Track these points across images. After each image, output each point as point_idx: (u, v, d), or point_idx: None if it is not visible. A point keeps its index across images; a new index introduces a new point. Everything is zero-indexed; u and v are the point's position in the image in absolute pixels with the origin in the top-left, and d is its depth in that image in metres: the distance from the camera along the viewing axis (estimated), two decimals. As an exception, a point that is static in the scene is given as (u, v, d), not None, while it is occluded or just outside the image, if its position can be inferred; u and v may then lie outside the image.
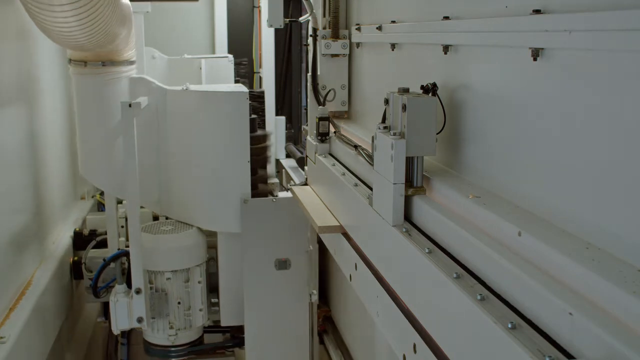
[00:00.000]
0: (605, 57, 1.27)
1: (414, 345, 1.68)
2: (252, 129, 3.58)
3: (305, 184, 3.31)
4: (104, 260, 3.70)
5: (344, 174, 2.56)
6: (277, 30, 5.77)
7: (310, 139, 3.18)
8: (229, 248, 3.69)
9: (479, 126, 1.82)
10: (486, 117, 1.78)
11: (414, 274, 1.70)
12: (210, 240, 3.80)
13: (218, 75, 4.96)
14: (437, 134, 1.88)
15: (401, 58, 2.49)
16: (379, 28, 2.65)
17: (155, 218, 4.17)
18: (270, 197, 3.65)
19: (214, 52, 6.56)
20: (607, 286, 1.13)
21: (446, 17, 1.99)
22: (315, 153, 3.02)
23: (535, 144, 1.53)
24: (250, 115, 3.54)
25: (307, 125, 3.47)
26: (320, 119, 3.02)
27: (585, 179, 1.35)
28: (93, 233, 4.13)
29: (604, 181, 1.29)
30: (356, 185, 2.36)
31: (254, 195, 3.61)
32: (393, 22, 2.52)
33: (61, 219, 4.11)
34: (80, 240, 4.08)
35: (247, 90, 3.30)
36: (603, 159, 1.29)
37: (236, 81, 4.68)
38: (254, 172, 3.64)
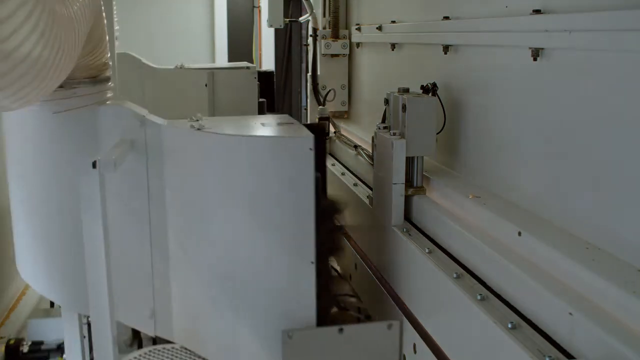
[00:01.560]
0: (605, 57, 1.27)
1: (414, 346, 1.68)
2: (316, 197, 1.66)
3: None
4: None
5: (343, 174, 2.56)
6: (277, 30, 5.77)
7: (311, 139, 3.15)
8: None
9: (479, 126, 1.82)
10: (486, 117, 1.78)
11: (414, 274, 1.70)
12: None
13: (232, 96, 3.10)
14: (437, 134, 1.88)
15: (401, 58, 2.49)
16: (379, 28, 2.65)
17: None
18: (335, 327, 1.68)
19: (214, 53, 6.55)
20: (607, 286, 1.13)
21: (446, 17, 1.99)
22: (316, 153, 2.99)
23: (535, 143, 1.54)
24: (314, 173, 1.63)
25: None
26: (320, 119, 3.03)
27: (585, 179, 1.35)
28: (37, 349, 2.74)
29: (604, 181, 1.29)
30: (356, 185, 2.36)
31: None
32: (393, 22, 2.52)
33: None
34: None
35: (312, 135, 1.62)
36: (603, 158, 1.29)
37: (260, 103, 3.05)
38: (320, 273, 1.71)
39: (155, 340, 2.06)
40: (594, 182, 1.32)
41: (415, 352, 1.68)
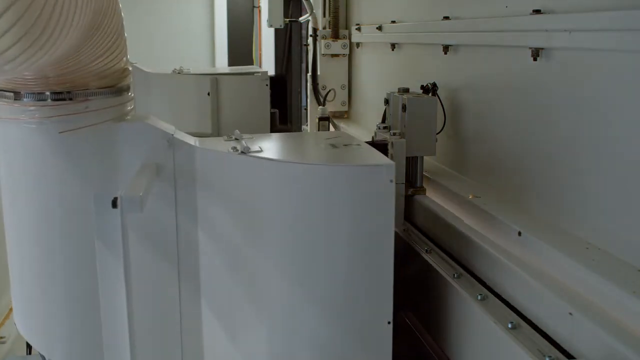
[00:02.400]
0: (605, 57, 1.27)
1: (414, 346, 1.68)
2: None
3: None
4: None
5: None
6: (277, 30, 5.77)
7: (311, 139, 3.15)
8: None
9: (479, 126, 1.82)
10: (486, 117, 1.78)
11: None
12: None
13: (239, 106, 2.55)
14: (437, 134, 1.88)
15: (401, 58, 2.49)
16: (379, 28, 2.65)
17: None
18: None
19: (213, 53, 6.55)
20: (607, 286, 1.13)
21: (446, 17, 1.99)
22: (315, 153, 2.98)
23: (535, 143, 1.53)
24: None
25: (307, 125, 3.48)
26: (320, 119, 3.02)
27: (586, 179, 1.35)
28: None
29: (605, 180, 1.29)
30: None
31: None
32: (393, 22, 2.52)
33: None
34: None
35: (392, 163, 1.29)
36: (603, 158, 1.29)
37: (272, 114, 2.56)
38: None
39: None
40: (594, 181, 1.32)
41: (415, 351, 1.68)
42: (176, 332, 1.42)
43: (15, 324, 1.50)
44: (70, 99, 1.29)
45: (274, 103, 2.68)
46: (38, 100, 1.27)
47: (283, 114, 2.75)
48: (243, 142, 1.36)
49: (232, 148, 1.35)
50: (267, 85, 2.43)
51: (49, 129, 1.29)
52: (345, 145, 1.44)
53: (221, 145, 1.39)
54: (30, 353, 2.50)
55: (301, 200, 1.27)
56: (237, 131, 1.45)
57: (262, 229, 1.30)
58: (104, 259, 1.19)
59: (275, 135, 1.67)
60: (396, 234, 1.80)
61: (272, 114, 2.47)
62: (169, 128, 1.38)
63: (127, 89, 1.43)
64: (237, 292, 1.36)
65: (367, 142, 1.52)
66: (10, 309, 2.94)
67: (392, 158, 1.79)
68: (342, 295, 1.29)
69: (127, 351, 1.22)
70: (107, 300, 1.22)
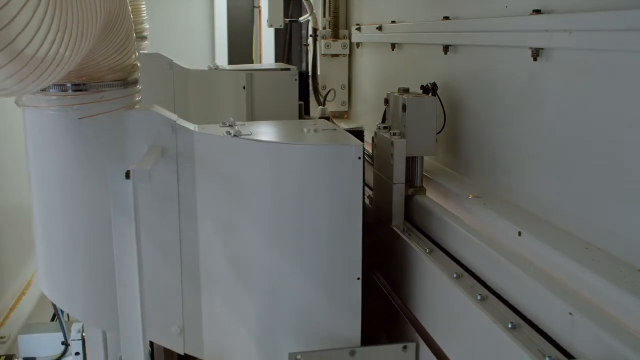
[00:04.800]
0: (605, 57, 1.27)
1: (415, 345, 1.68)
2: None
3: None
4: None
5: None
6: (277, 30, 5.78)
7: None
8: None
9: (478, 126, 1.82)
10: (486, 117, 1.78)
11: (414, 274, 1.70)
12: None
13: (271, 99, 2.73)
14: (437, 134, 1.88)
15: (401, 58, 2.49)
16: (379, 28, 2.65)
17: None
18: (347, 350, 1.58)
19: (213, 53, 6.55)
20: (607, 286, 1.13)
21: (446, 17, 1.99)
22: (315, 153, 2.98)
23: (535, 143, 1.54)
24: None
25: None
26: (320, 118, 3.02)
27: (586, 179, 1.35)
28: None
29: (604, 181, 1.29)
30: (356, 185, 2.35)
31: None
32: (393, 22, 2.52)
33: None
34: None
35: (361, 143, 1.55)
36: (603, 158, 1.29)
37: (300, 107, 2.76)
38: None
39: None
40: (594, 181, 1.32)
41: (415, 351, 1.68)
42: (177, 287, 1.67)
43: (40, 285, 1.75)
44: (88, 90, 1.52)
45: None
46: (60, 91, 1.50)
47: (307, 105, 3.06)
48: (236, 127, 1.61)
49: (225, 132, 1.58)
50: (296, 79, 2.66)
51: (69, 116, 1.52)
52: (324, 129, 1.69)
53: (217, 130, 1.61)
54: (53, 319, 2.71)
55: (283, 175, 1.52)
56: (231, 118, 1.69)
57: (250, 200, 1.55)
58: (119, 222, 1.42)
59: (266, 122, 1.92)
60: (397, 234, 1.80)
61: (300, 105, 2.68)
62: (172, 115, 1.60)
63: (136, 82, 1.64)
64: (228, 251, 1.60)
65: (345, 129, 1.76)
66: (10, 309, 2.94)
67: (392, 158, 1.80)
68: (318, 255, 1.53)
69: (138, 304, 1.44)
70: (121, 258, 1.43)
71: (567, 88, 1.41)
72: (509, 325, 1.22)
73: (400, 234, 1.79)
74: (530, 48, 1.48)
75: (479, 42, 1.79)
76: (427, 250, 1.64)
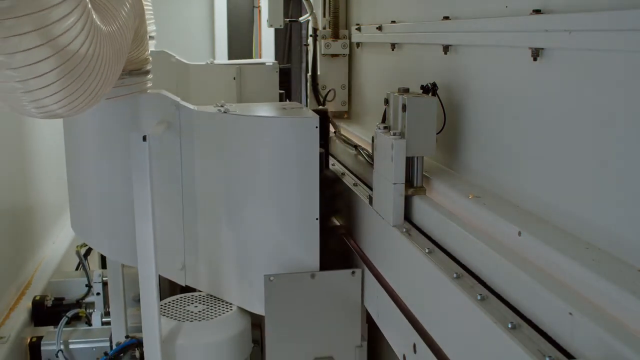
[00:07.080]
0: (605, 57, 1.27)
1: (414, 345, 1.68)
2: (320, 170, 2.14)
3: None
4: (106, 354, 2.46)
5: (343, 174, 2.56)
6: (277, 30, 5.77)
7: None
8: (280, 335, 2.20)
9: (478, 126, 1.82)
10: (486, 117, 1.78)
11: (414, 274, 1.70)
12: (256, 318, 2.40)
13: (256, 88, 3.32)
14: (437, 134, 1.88)
15: (401, 58, 2.49)
16: (379, 28, 2.65)
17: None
18: (308, 273, 2.12)
19: (214, 53, 6.55)
20: (607, 286, 1.13)
21: (446, 17, 1.99)
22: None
23: (535, 143, 1.53)
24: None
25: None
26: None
27: (586, 179, 1.35)
28: (59, 304, 3.10)
29: (604, 181, 1.29)
30: (356, 185, 2.36)
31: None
32: (393, 22, 2.52)
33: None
34: (43, 314, 3.03)
35: (317, 116, 2.04)
36: (603, 158, 1.29)
37: (281, 95, 3.31)
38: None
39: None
40: (594, 181, 1.32)
41: (415, 351, 1.68)
42: (180, 231, 2.18)
43: (73, 229, 2.39)
44: None
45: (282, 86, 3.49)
46: None
47: (288, 94, 3.73)
48: (226, 106, 2.12)
49: (217, 110, 2.09)
50: (276, 72, 3.26)
51: None
52: (292, 108, 2.25)
53: (211, 109, 2.11)
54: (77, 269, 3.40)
55: (262, 141, 2.03)
56: (222, 101, 2.18)
57: (237, 160, 2.06)
58: (137, 177, 1.84)
59: (249, 104, 2.51)
60: (397, 234, 1.80)
61: (280, 94, 3.25)
62: (176, 98, 2.09)
63: (148, 72, 2.12)
64: (219, 200, 2.11)
65: (313, 110, 2.24)
66: (10, 309, 2.95)
67: (391, 158, 1.80)
68: (287, 201, 2.05)
69: (151, 243, 1.88)
70: (139, 206, 1.86)
71: (567, 88, 1.41)
72: (509, 325, 1.22)
73: (400, 234, 1.79)
74: (530, 48, 1.48)
75: (479, 42, 1.78)
76: (427, 250, 1.64)
